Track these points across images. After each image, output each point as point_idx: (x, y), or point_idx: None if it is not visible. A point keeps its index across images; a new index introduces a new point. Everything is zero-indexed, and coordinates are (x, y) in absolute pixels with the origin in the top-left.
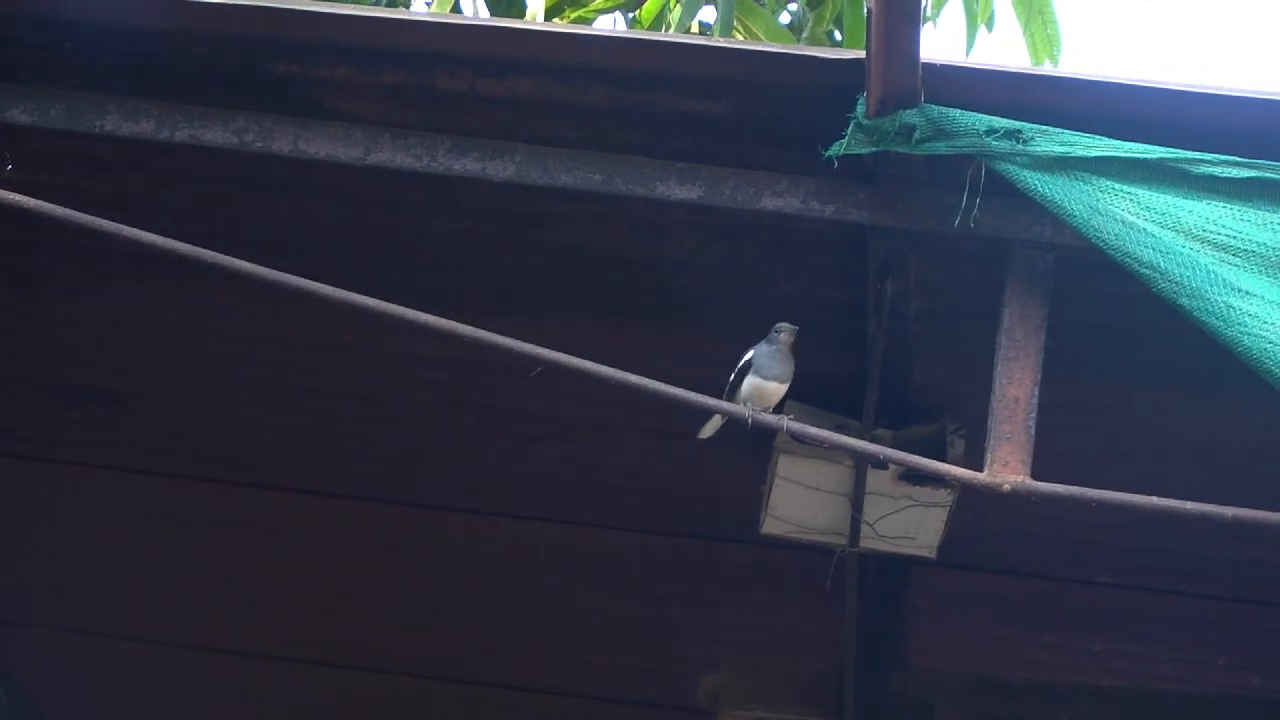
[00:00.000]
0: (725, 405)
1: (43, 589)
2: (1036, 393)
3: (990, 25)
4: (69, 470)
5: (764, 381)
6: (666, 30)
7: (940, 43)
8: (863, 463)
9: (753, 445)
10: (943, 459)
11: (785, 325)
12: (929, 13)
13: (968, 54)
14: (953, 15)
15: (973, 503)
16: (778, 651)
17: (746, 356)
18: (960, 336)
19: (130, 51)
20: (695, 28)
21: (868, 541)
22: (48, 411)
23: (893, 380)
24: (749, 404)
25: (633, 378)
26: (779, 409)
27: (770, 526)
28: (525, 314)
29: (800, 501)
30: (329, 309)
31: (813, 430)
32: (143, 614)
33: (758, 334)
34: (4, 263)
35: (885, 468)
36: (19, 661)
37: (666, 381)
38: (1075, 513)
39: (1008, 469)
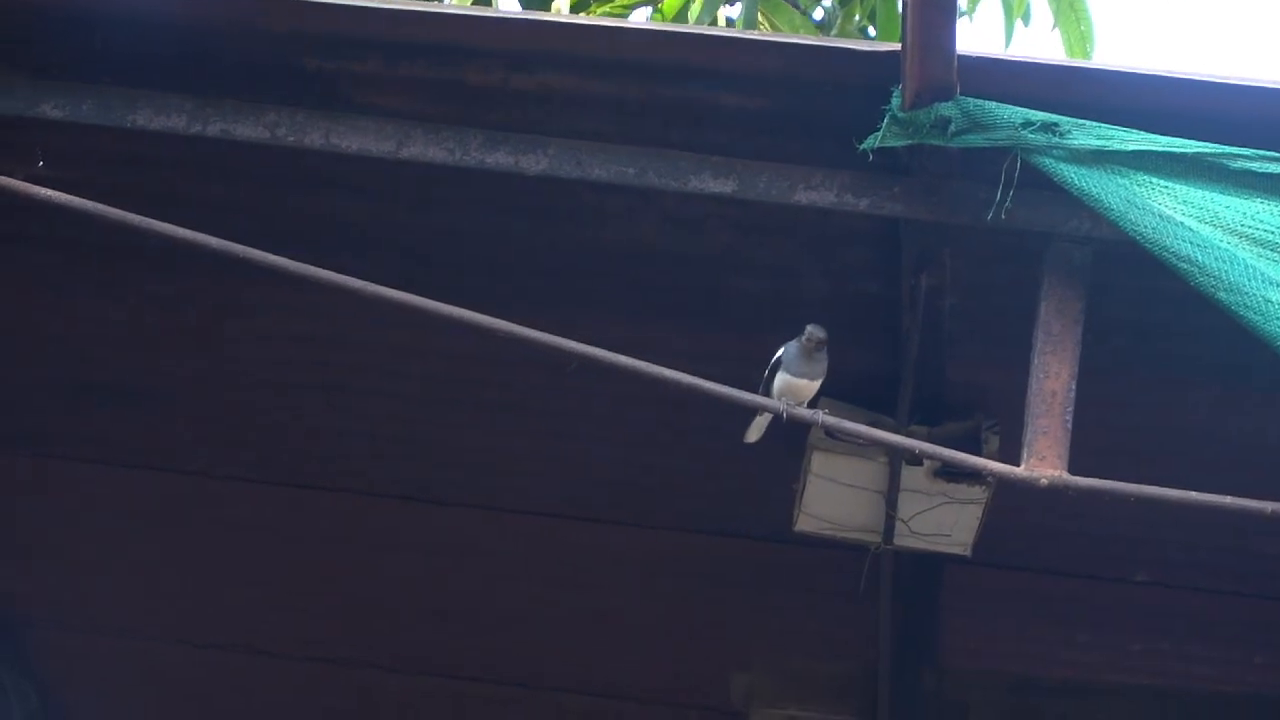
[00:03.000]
0: (759, 399)
1: (68, 590)
2: (1074, 386)
3: (1026, 19)
4: (93, 470)
5: (794, 378)
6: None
7: (977, 39)
8: (898, 459)
9: (786, 443)
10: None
11: (813, 328)
12: (965, 8)
13: (1006, 48)
14: (989, 11)
15: (1007, 500)
16: (810, 651)
17: (778, 354)
18: (995, 332)
19: (162, 47)
20: (721, 22)
21: (902, 539)
22: (71, 411)
23: (927, 376)
24: (783, 400)
25: (667, 372)
26: (813, 406)
27: (804, 524)
28: (557, 311)
29: (834, 498)
30: (356, 306)
31: (849, 424)
32: (168, 614)
33: (791, 330)
34: (30, 260)
35: (921, 463)
36: (45, 662)
37: (701, 378)
38: (1111, 509)
39: (1045, 463)
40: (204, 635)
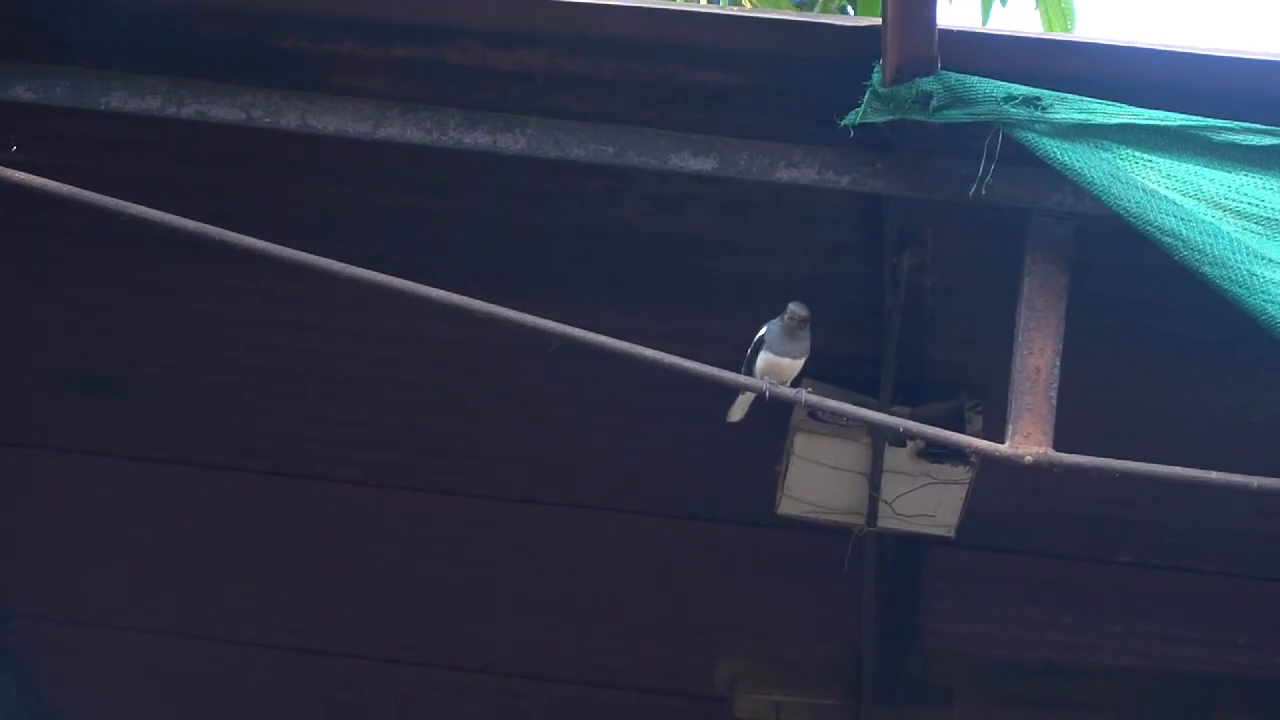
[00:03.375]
0: (742, 378)
1: (52, 582)
2: (1058, 363)
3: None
4: (77, 460)
5: (777, 357)
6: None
7: (956, 21)
8: (881, 440)
9: (769, 425)
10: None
11: (795, 306)
12: None
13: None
14: None
15: (991, 482)
16: (795, 636)
17: (760, 333)
18: (977, 312)
19: (137, 27)
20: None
21: (885, 521)
22: (55, 400)
23: (910, 356)
24: (765, 379)
25: (649, 352)
26: (796, 385)
27: (787, 507)
28: (538, 294)
29: (817, 481)
30: (336, 292)
31: (831, 403)
32: (153, 606)
33: (773, 311)
34: (13, 248)
35: (904, 444)
36: (30, 655)
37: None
38: (1094, 489)
39: (1029, 440)
40: (194, 627)
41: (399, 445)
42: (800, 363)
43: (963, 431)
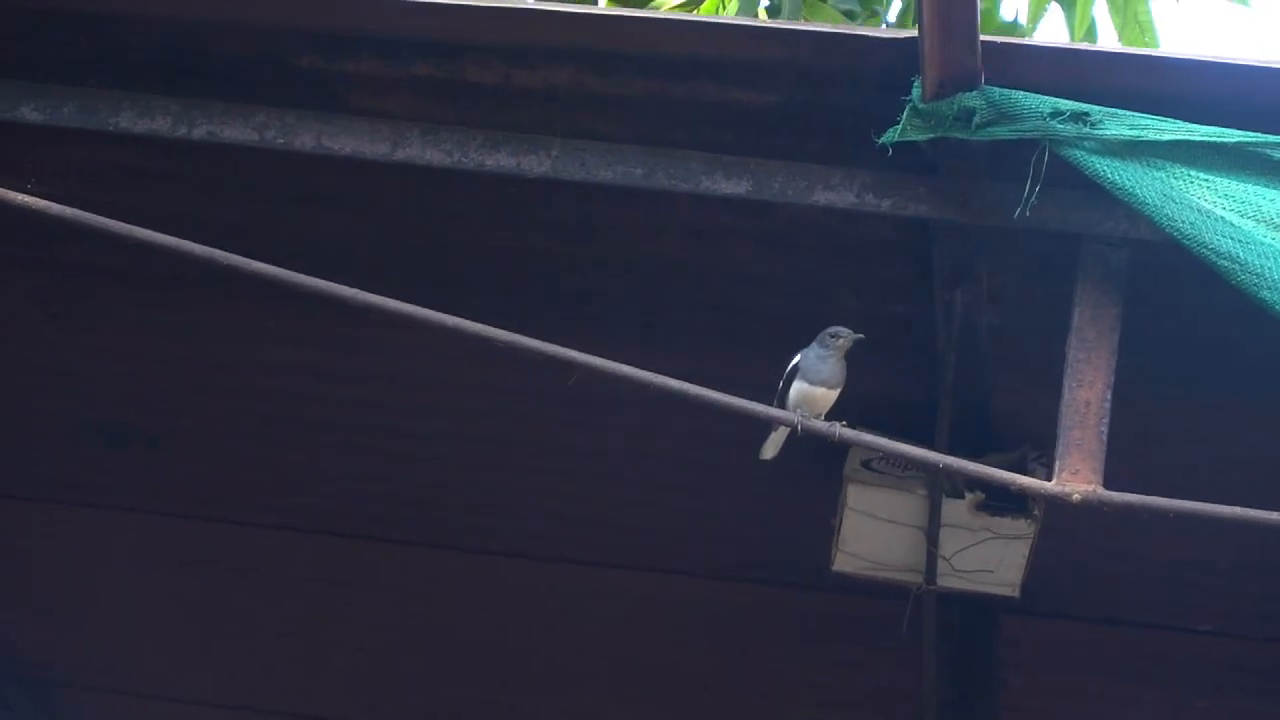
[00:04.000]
0: (772, 411)
1: (85, 646)
2: (1109, 397)
3: (1093, 36)
4: (104, 515)
5: (811, 387)
6: None
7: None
8: (938, 492)
9: (823, 476)
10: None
11: (842, 330)
12: (1025, 25)
13: None
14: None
15: (1060, 542)
16: (853, 709)
17: (794, 361)
18: (1038, 355)
19: (147, 46)
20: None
21: (945, 579)
22: (80, 453)
23: (967, 403)
24: (798, 411)
25: (673, 382)
26: (831, 419)
27: (842, 563)
28: (573, 332)
29: (873, 535)
30: (365, 334)
31: (868, 436)
32: (186, 671)
33: None
34: (35, 287)
35: (962, 496)
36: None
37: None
38: (1171, 549)
39: (1078, 478)
40: (225, 695)
41: (439, 505)
42: (835, 393)
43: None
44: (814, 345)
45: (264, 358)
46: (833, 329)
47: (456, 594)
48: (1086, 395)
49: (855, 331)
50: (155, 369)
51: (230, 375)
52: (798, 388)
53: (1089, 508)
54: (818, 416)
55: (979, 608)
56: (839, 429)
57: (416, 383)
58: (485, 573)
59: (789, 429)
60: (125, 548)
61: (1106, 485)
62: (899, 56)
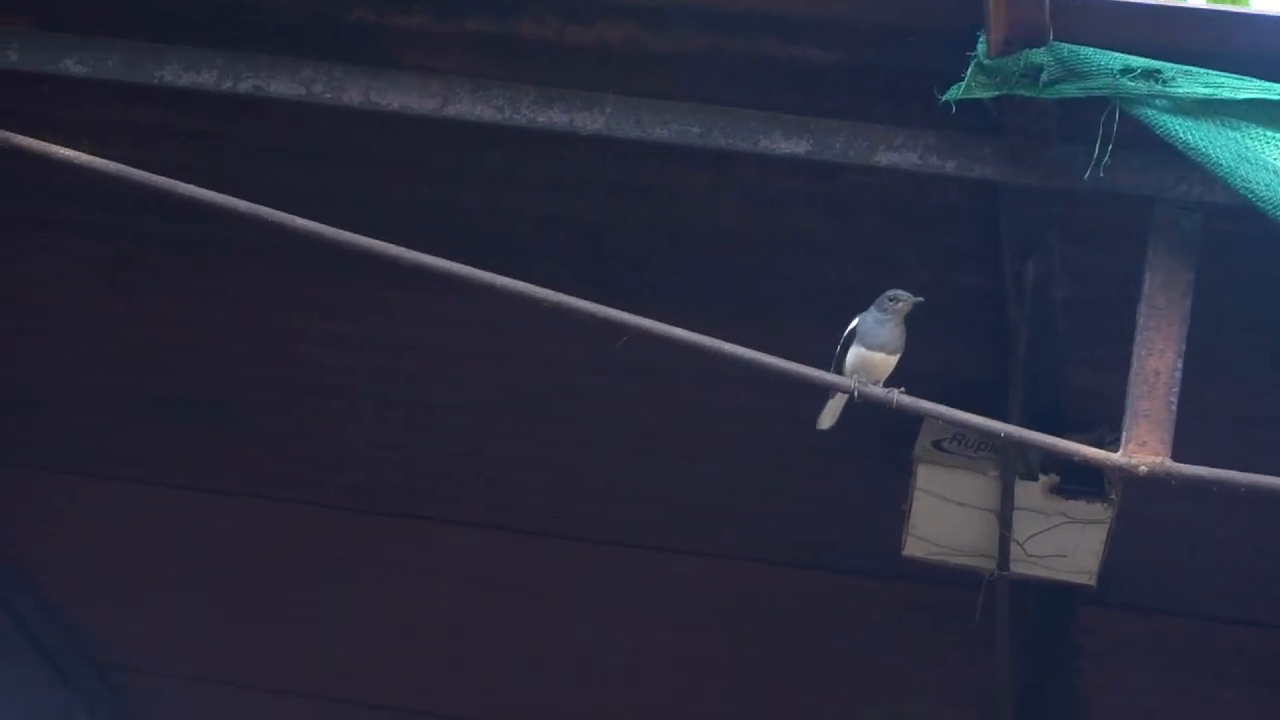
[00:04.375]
0: (829, 377)
1: (149, 630)
2: (1179, 365)
3: None
4: (171, 494)
5: (870, 352)
6: None
7: None
8: (1011, 473)
9: (894, 463)
10: (1101, 472)
11: (901, 293)
12: None
13: None
14: None
15: (1142, 529)
16: (926, 699)
17: (851, 325)
18: (1114, 330)
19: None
20: None
21: (1018, 565)
22: (145, 428)
23: (1041, 380)
24: (855, 377)
25: (725, 346)
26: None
27: (912, 547)
28: (628, 301)
29: (944, 518)
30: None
31: (926, 404)
32: (246, 655)
33: None
34: (85, 253)
35: (1036, 478)
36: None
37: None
38: (1264, 540)
39: (1145, 449)
40: (286, 681)
41: (498, 484)
42: (894, 359)
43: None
44: (872, 309)
45: (321, 326)
46: (892, 292)
47: (507, 575)
48: (1156, 364)
49: (916, 295)
50: (210, 339)
51: (282, 346)
52: (855, 352)
53: (1157, 480)
54: (875, 383)
55: (1055, 596)
56: (897, 396)
57: (464, 353)
58: (538, 554)
59: (846, 396)
60: (173, 526)
61: (1174, 459)
62: (966, 11)
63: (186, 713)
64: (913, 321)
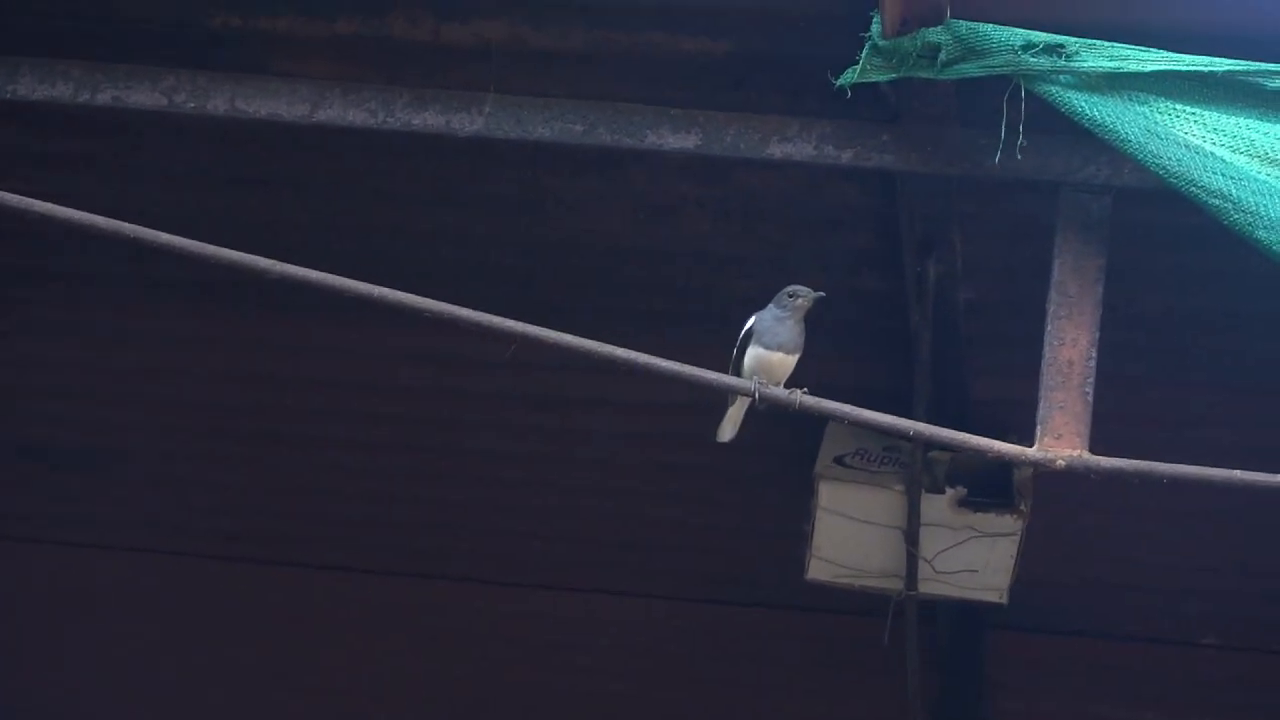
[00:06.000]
0: (727, 379)
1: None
2: (1094, 355)
3: None
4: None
5: (769, 352)
6: None
7: None
8: (916, 488)
9: (793, 485)
10: (1010, 483)
11: (800, 289)
12: None
13: None
14: None
15: (1050, 549)
16: None
17: (749, 324)
18: (1021, 334)
19: (49, 7)
20: None
21: (927, 585)
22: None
23: (946, 387)
24: (754, 378)
25: (619, 351)
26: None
27: (816, 570)
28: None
29: (849, 538)
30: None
31: (831, 404)
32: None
33: None
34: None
35: (942, 491)
36: None
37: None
38: (1169, 557)
39: (1061, 442)
40: None
41: (409, 530)
42: (794, 359)
43: (1013, 477)
44: (770, 307)
45: (198, 361)
46: (791, 288)
47: (431, 622)
48: (1069, 354)
49: (815, 290)
50: (84, 381)
51: (157, 386)
52: (753, 353)
53: (1075, 474)
54: (776, 384)
55: (965, 618)
56: (800, 397)
57: (350, 386)
58: (446, 600)
59: (746, 404)
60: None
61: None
62: None
63: None
64: (813, 329)
